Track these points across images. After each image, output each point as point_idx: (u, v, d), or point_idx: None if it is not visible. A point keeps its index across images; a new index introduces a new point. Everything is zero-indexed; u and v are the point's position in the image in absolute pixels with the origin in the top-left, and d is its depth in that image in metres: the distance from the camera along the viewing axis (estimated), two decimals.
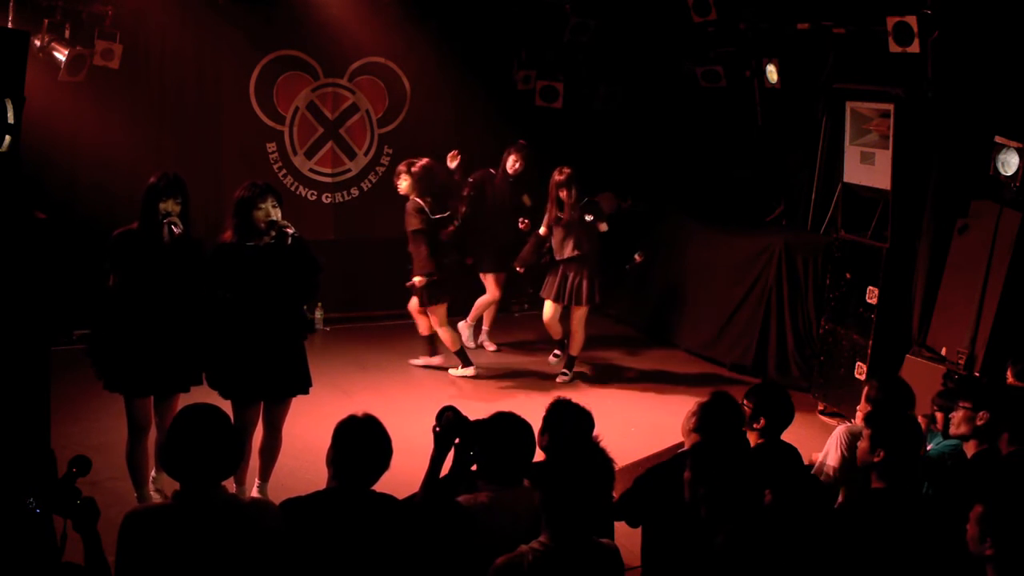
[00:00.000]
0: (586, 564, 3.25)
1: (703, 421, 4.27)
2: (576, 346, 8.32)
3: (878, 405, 4.86)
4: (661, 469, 4.23)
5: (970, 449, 4.66)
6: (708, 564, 3.47)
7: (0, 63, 4.52)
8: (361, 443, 3.47)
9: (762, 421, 4.55)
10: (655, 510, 4.05)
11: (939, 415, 5.09)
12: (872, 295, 7.39)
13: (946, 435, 5.01)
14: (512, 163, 8.70)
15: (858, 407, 5.25)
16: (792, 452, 4.65)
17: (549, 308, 8.28)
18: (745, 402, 4.64)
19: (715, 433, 4.20)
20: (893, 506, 3.81)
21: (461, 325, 8.88)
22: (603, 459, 3.55)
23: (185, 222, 5.26)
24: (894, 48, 6.98)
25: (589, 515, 3.26)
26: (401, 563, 3.37)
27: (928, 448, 5.12)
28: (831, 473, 4.98)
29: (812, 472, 5.01)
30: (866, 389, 5.19)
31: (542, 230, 8.27)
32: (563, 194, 8.09)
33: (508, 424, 3.72)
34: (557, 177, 8.11)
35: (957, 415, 4.68)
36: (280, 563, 3.30)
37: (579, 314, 8.22)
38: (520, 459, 3.69)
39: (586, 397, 7.52)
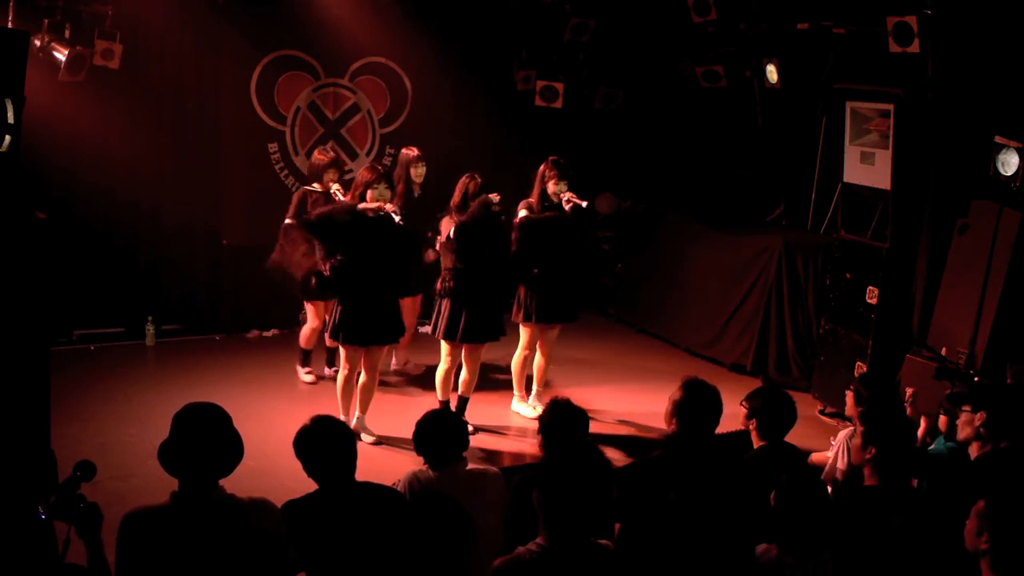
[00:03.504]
0: (584, 565, 3.25)
1: (681, 418, 4.25)
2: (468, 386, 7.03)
3: (869, 404, 4.89)
4: (641, 467, 4.24)
5: (974, 451, 4.66)
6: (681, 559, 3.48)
7: (0, 63, 4.52)
8: (319, 446, 3.72)
9: (754, 422, 4.58)
10: (634, 506, 4.04)
11: (943, 418, 5.10)
12: (872, 295, 7.39)
13: (948, 438, 5.02)
14: (554, 187, 7.00)
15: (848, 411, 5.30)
16: (795, 453, 4.66)
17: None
18: (744, 404, 4.67)
19: (692, 426, 4.19)
20: (886, 503, 3.82)
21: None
22: (601, 460, 3.56)
23: None
24: (894, 48, 6.99)
25: (586, 516, 3.26)
26: (395, 547, 3.38)
27: (931, 448, 5.14)
28: (839, 477, 4.97)
29: (822, 476, 5.00)
30: (851, 394, 5.20)
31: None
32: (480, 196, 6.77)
33: (440, 417, 4.34)
34: (470, 180, 6.82)
35: (961, 418, 4.69)
36: (282, 562, 3.32)
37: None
38: (454, 444, 4.22)
39: (585, 397, 7.55)
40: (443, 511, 3.13)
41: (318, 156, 7.71)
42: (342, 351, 6.66)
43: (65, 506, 3.21)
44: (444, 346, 6.83)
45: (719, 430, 4.16)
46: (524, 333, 7.22)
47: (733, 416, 4.90)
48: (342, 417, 6.53)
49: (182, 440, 3.24)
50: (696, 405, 4.19)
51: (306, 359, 7.89)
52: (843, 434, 5.10)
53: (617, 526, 3.90)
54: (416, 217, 7.16)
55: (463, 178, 6.83)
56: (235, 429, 3.35)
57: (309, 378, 7.85)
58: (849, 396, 5.22)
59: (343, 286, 6.44)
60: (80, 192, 8.40)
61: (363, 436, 6.58)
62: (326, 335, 7.06)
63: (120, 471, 5.90)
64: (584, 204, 6.91)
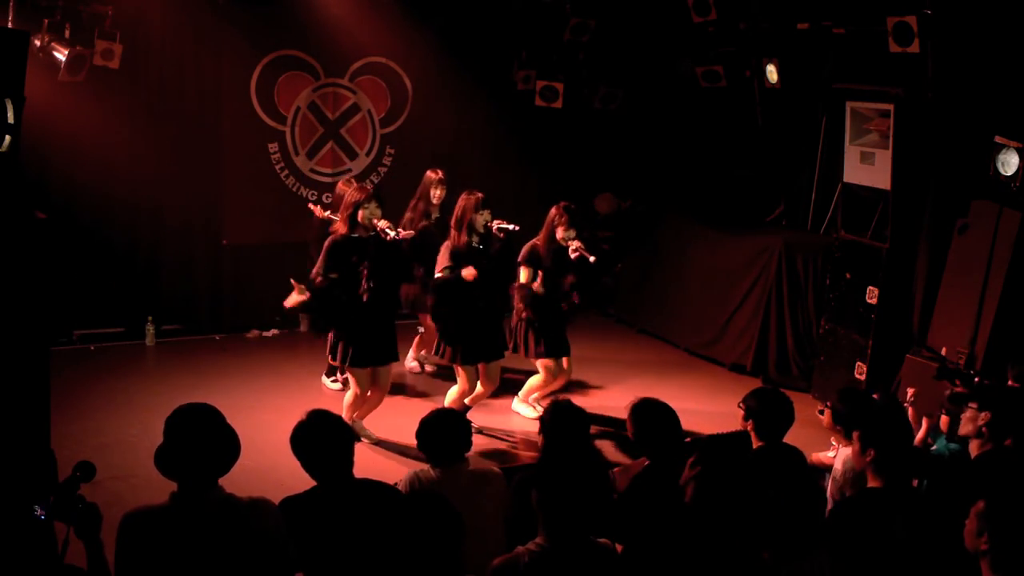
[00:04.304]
0: (582, 564, 3.25)
1: (644, 443, 4.35)
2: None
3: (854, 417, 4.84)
4: (644, 475, 4.25)
5: (975, 449, 4.66)
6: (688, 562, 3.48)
7: (0, 63, 4.52)
8: (316, 442, 3.70)
9: (751, 423, 4.58)
10: (637, 512, 4.06)
11: (944, 418, 5.09)
12: (872, 295, 7.39)
13: (951, 438, 5.01)
14: (563, 234, 6.88)
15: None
16: (795, 454, 4.66)
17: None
18: (741, 405, 4.68)
19: (658, 447, 4.27)
20: (889, 504, 3.81)
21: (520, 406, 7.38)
22: (599, 460, 3.56)
23: None
24: (894, 48, 6.99)
25: (585, 516, 3.26)
26: (394, 544, 3.39)
27: (932, 448, 5.13)
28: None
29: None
30: (828, 411, 5.16)
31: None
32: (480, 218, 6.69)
33: (444, 417, 4.29)
34: (469, 196, 6.69)
35: (965, 414, 4.68)
36: (282, 562, 3.32)
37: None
38: (457, 442, 4.19)
39: (585, 398, 7.56)
40: (430, 508, 3.12)
41: (343, 186, 7.50)
42: (351, 374, 6.55)
43: (64, 507, 3.21)
44: (458, 369, 6.75)
45: (719, 430, 4.20)
46: (543, 368, 7.08)
47: (733, 416, 4.92)
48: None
49: (176, 443, 3.23)
50: (651, 425, 4.26)
51: (332, 368, 7.68)
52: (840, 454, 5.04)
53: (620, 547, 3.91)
54: (431, 238, 7.13)
55: (463, 195, 6.71)
56: (229, 426, 3.33)
57: (336, 386, 7.66)
58: (827, 413, 5.17)
59: (339, 308, 6.33)
60: (80, 192, 8.40)
61: (362, 437, 6.57)
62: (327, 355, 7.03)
63: (120, 471, 5.90)
64: (592, 259, 6.71)
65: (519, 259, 6.87)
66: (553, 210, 6.95)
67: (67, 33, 7.73)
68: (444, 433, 4.21)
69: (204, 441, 3.23)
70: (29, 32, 5.76)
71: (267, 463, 5.98)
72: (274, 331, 9.21)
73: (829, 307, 7.84)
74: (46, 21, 7.59)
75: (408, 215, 7.59)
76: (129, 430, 6.70)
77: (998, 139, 6.36)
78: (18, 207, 4.62)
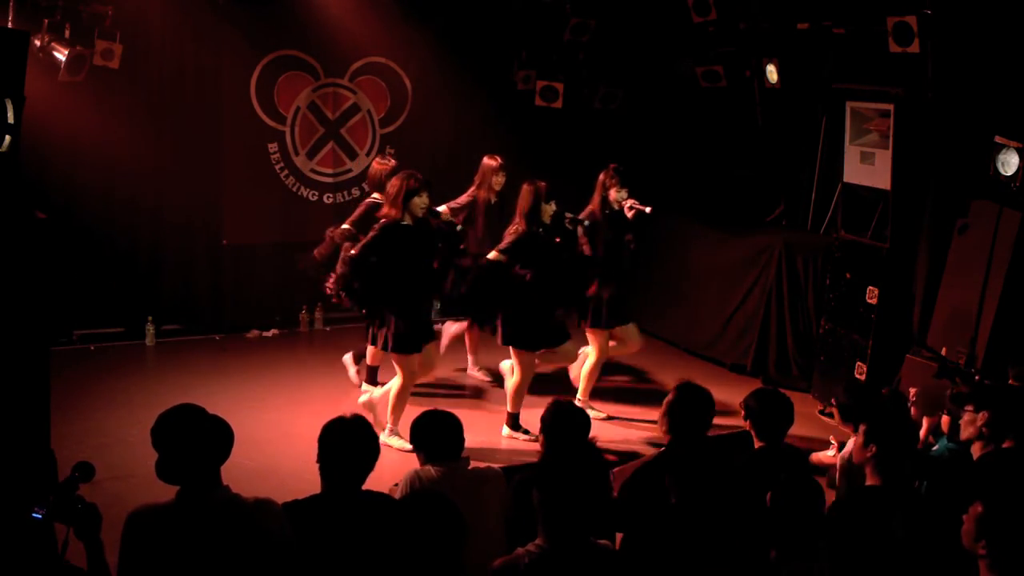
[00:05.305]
0: (583, 565, 3.24)
1: (672, 419, 4.32)
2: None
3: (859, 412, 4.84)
4: (645, 470, 4.25)
5: (977, 451, 4.65)
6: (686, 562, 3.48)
7: (0, 63, 4.52)
8: (345, 445, 3.61)
9: (750, 423, 4.59)
10: (639, 511, 4.05)
11: (945, 418, 5.09)
12: (872, 295, 7.39)
13: (951, 438, 5.01)
14: (615, 195, 7.15)
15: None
16: (795, 454, 4.66)
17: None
18: (741, 405, 4.68)
19: (684, 429, 4.26)
20: (887, 502, 3.81)
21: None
22: (600, 461, 3.55)
23: None
24: (894, 48, 6.99)
25: (585, 517, 3.26)
26: (395, 543, 3.38)
27: (934, 448, 5.13)
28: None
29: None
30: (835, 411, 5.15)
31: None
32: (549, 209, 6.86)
33: (437, 417, 4.23)
34: (533, 187, 6.77)
35: (964, 418, 4.68)
36: (284, 563, 3.31)
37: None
38: (452, 441, 4.16)
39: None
40: (432, 507, 3.12)
41: (377, 166, 7.46)
42: (402, 362, 6.48)
43: (64, 507, 3.21)
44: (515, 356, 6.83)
45: (720, 430, 4.19)
46: (595, 339, 7.23)
47: (732, 415, 4.92)
48: (389, 426, 6.54)
49: (168, 451, 3.24)
50: (686, 407, 4.26)
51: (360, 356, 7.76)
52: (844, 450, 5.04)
53: (619, 536, 3.90)
54: (495, 224, 7.39)
55: (526, 186, 6.76)
56: (212, 417, 3.33)
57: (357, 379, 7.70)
58: (835, 413, 5.16)
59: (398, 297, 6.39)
60: (80, 192, 8.41)
61: (394, 442, 6.54)
62: (372, 349, 7.09)
63: (120, 471, 5.90)
64: (648, 210, 6.96)
65: (583, 221, 6.96)
66: (602, 175, 7.16)
67: (67, 33, 7.73)
68: (436, 431, 4.19)
69: (194, 442, 3.23)
70: (29, 32, 5.77)
71: (268, 463, 5.99)
72: (274, 331, 9.22)
73: (829, 307, 7.84)
74: (46, 21, 7.59)
75: (465, 199, 7.70)
76: (129, 430, 6.69)
77: (998, 139, 6.36)
78: (18, 207, 4.62)
